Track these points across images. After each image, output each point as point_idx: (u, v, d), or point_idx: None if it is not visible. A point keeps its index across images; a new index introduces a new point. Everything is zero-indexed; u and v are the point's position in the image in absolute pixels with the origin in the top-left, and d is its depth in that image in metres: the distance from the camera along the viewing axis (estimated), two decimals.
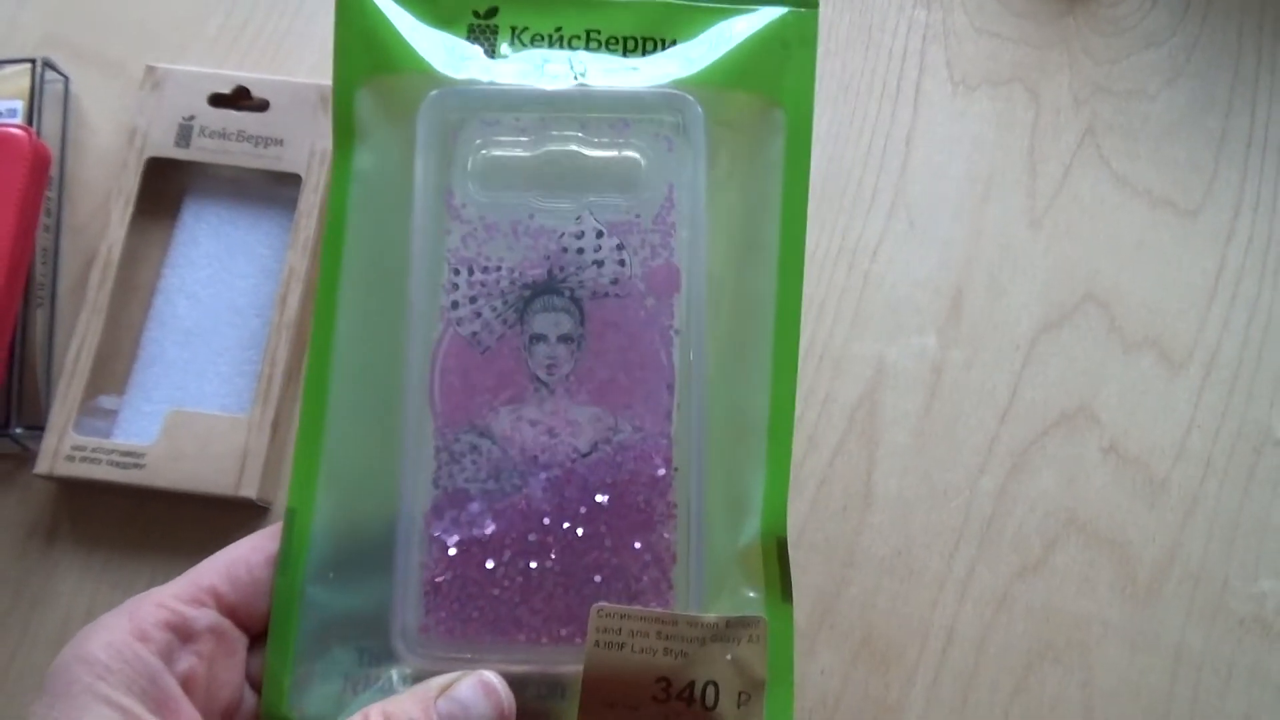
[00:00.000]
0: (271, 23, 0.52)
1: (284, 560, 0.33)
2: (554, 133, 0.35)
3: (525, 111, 0.35)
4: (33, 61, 0.49)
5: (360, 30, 0.35)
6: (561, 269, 0.34)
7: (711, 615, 0.31)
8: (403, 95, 0.34)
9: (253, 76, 0.49)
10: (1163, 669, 0.45)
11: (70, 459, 0.44)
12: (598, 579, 0.33)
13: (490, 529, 0.33)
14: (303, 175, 0.47)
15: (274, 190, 0.48)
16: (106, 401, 0.46)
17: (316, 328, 0.34)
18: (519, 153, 0.35)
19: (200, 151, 0.48)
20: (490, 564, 0.33)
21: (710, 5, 0.36)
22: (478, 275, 0.34)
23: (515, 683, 0.31)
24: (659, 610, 0.31)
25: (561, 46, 0.36)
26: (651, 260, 0.34)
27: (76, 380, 0.45)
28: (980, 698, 0.44)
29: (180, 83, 0.48)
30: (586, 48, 0.35)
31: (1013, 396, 0.48)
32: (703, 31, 0.36)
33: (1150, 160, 0.51)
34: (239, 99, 0.49)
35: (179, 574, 0.32)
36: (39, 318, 0.47)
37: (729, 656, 0.31)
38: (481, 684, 0.30)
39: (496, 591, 0.33)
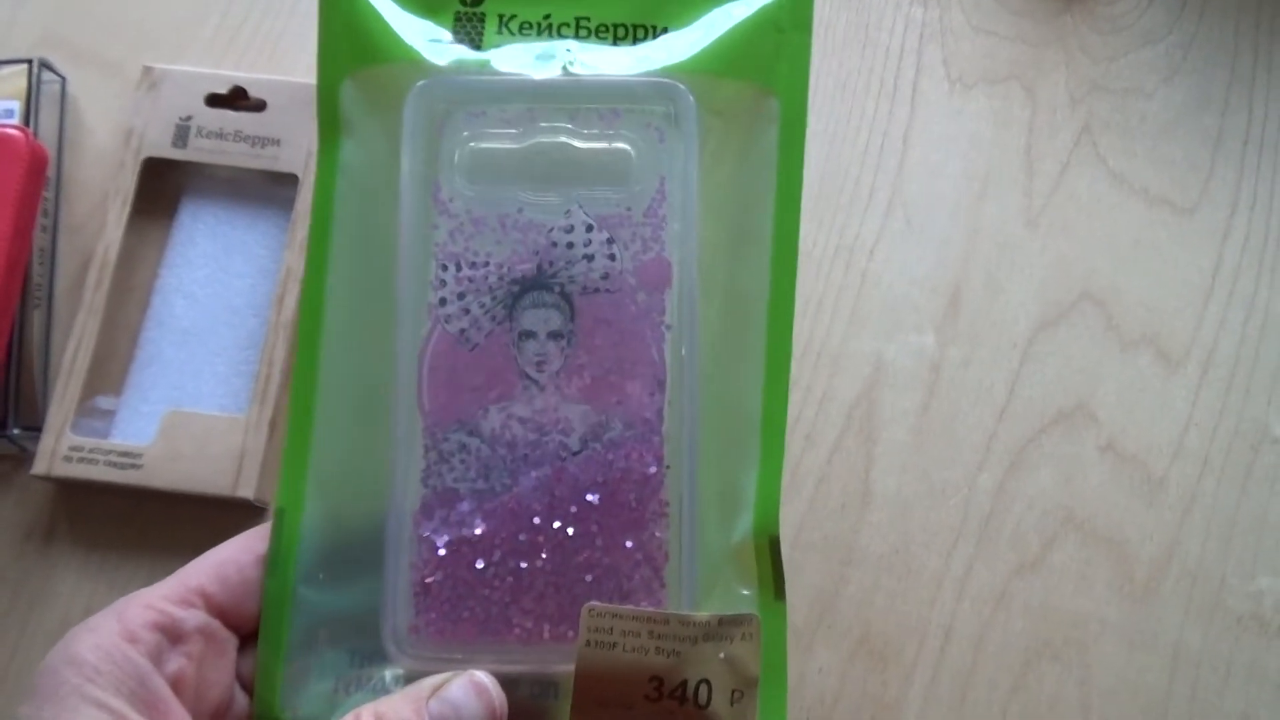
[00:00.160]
0: (268, 23, 0.52)
1: (274, 561, 0.32)
2: (543, 124, 0.34)
3: (513, 102, 0.34)
4: (29, 62, 0.49)
5: (345, 20, 0.34)
6: (551, 264, 0.33)
7: (704, 614, 0.31)
8: (389, 86, 0.34)
9: (249, 77, 0.49)
10: (1161, 667, 0.45)
11: (68, 459, 0.44)
12: (589, 578, 0.32)
13: (480, 529, 0.32)
14: (300, 175, 0.47)
15: (271, 190, 0.48)
16: (104, 402, 0.46)
17: (303, 326, 0.33)
18: (507, 145, 0.34)
19: (197, 152, 0.48)
20: (480, 564, 0.32)
21: None
22: (465, 271, 0.33)
23: (507, 682, 0.31)
24: (651, 609, 0.31)
25: (550, 35, 0.35)
26: (642, 254, 0.34)
27: (74, 381, 0.45)
28: (978, 696, 0.44)
29: (177, 83, 0.48)
30: (575, 36, 0.35)
31: (1010, 395, 0.48)
32: (695, 18, 0.35)
33: (1147, 158, 0.51)
34: (236, 99, 0.49)
35: None
36: (36, 318, 0.47)
37: (722, 655, 0.31)
38: (473, 684, 0.30)
39: (487, 592, 0.32)
